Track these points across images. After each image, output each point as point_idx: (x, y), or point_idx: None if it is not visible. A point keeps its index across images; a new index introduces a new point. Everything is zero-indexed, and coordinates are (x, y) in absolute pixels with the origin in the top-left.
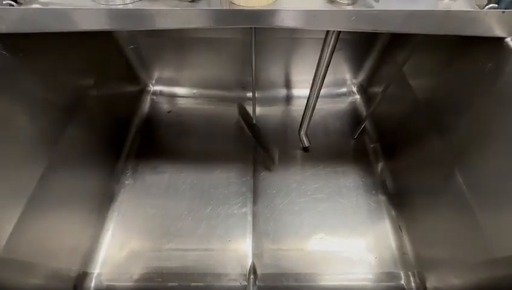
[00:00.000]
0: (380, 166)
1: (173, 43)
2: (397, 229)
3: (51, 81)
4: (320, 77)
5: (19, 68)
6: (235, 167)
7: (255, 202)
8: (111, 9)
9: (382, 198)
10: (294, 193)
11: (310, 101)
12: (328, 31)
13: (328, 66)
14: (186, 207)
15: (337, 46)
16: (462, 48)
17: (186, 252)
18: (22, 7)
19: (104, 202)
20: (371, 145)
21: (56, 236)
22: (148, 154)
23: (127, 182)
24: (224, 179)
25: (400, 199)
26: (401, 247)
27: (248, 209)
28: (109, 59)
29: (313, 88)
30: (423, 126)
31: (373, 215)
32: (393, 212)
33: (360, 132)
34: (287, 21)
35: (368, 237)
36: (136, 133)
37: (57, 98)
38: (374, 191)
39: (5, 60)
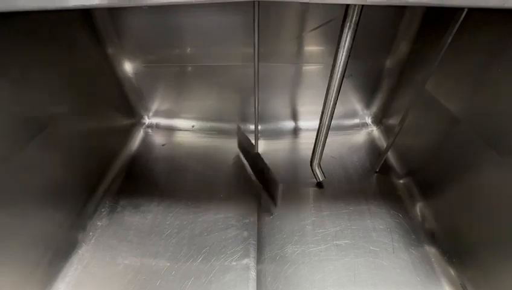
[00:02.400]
0: (418, 208)
1: (174, 75)
2: None
3: (18, 91)
4: (332, 100)
5: None
6: (235, 205)
7: (259, 250)
8: None
9: (431, 250)
10: (309, 238)
11: (321, 130)
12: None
13: (339, 89)
14: (170, 257)
15: (346, 72)
16: (500, 49)
17: None
18: None
19: (60, 251)
20: (400, 181)
21: None
22: (132, 191)
23: (99, 223)
24: (221, 221)
25: (457, 249)
26: None
27: (251, 261)
28: (104, 87)
29: (323, 116)
30: (472, 148)
31: (419, 268)
32: (451, 270)
33: (383, 165)
34: None
35: None
36: (122, 167)
37: (19, 112)
38: (414, 236)
39: None
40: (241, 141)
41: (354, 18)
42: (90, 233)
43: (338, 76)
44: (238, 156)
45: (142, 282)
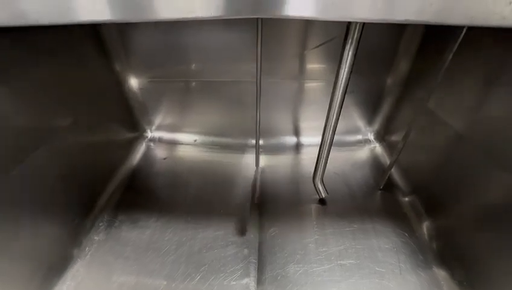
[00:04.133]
0: (425, 227)
1: (177, 89)
2: None
3: (21, 102)
4: (334, 115)
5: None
6: (236, 222)
7: (260, 269)
8: None
9: (440, 272)
10: (312, 257)
11: (323, 146)
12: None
13: (341, 105)
14: (166, 276)
15: (348, 88)
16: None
17: None
18: None
19: (54, 267)
20: (405, 199)
21: None
22: (131, 206)
23: (96, 238)
24: (221, 238)
25: (469, 271)
26: None
27: (251, 281)
28: (108, 100)
29: (326, 131)
30: (476, 165)
31: None
32: None
33: (387, 182)
34: (300, 9)
35: None
36: (122, 181)
37: (21, 123)
38: (421, 257)
39: None
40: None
41: (356, 35)
42: (86, 248)
43: (340, 92)
44: (240, 173)
45: None
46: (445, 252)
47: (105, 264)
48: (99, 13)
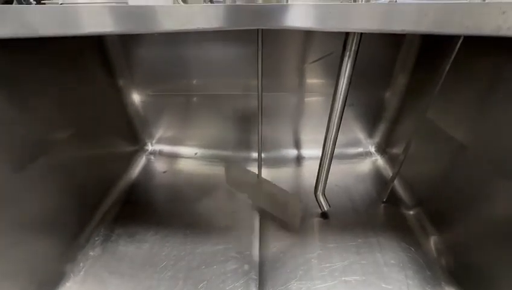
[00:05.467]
0: (432, 241)
1: (178, 102)
2: None
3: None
4: (334, 128)
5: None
6: (236, 237)
7: (261, 286)
8: (113, 7)
9: None
10: (315, 273)
11: (324, 158)
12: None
13: (341, 117)
14: None
15: (347, 101)
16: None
17: None
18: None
19: (45, 285)
20: (410, 212)
21: None
22: (129, 219)
23: (91, 253)
24: (221, 253)
25: (481, 288)
26: None
27: None
28: (108, 113)
29: (326, 144)
30: (481, 175)
31: None
32: None
33: (390, 195)
34: (299, 20)
35: None
36: (120, 194)
37: (25, 132)
38: (429, 273)
39: None
40: (234, 176)
41: (354, 47)
42: (81, 264)
43: (339, 104)
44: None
45: None
46: (455, 268)
47: (100, 281)
48: (102, 25)
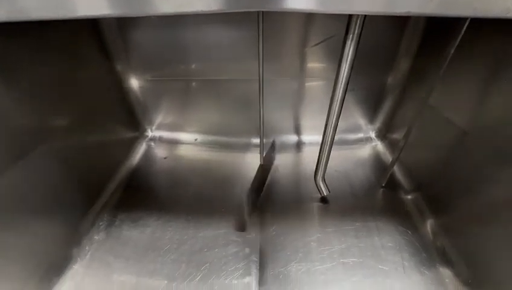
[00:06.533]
0: (429, 225)
1: (177, 87)
2: None
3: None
4: (335, 113)
5: None
6: (237, 221)
7: (262, 268)
8: None
9: (444, 271)
10: (315, 255)
11: (324, 144)
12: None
13: (343, 102)
14: (167, 275)
15: (349, 85)
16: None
17: None
18: None
19: (53, 267)
20: (408, 196)
21: None
22: (132, 205)
23: (96, 237)
24: (222, 236)
25: (474, 270)
26: None
27: (252, 280)
28: (108, 100)
29: (327, 129)
30: (481, 161)
31: None
32: None
33: (389, 180)
34: (300, 2)
35: None
36: (122, 180)
37: (22, 121)
38: (425, 255)
39: None
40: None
41: (357, 30)
42: (86, 247)
43: (341, 88)
44: (241, 171)
45: None
46: (450, 250)
47: (106, 264)
48: (98, 8)
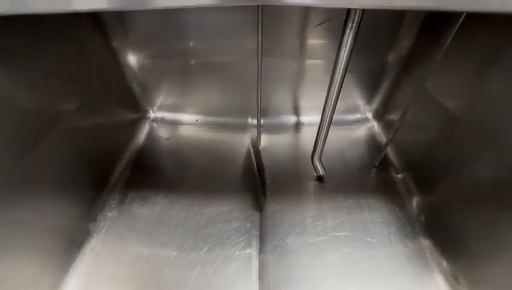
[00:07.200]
0: (415, 201)
1: (178, 70)
2: (453, 283)
3: (32, 89)
4: (333, 96)
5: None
6: (239, 198)
7: (262, 241)
8: None
9: (425, 242)
10: (310, 229)
11: (322, 125)
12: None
13: (342, 83)
14: (176, 247)
15: (348, 67)
16: (500, 48)
17: None
18: None
19: (74, 241)
20: (398, 176)
21: None
22: (140, 184)
23: (109, 214)
24: (225, 213)
25: (450, 242)
26: None
27: (253, 251)
28: (110, 82)
29: (325, 111)
30: (469, 146)
31: (414, 260)
32: (444, 261)
33: (382, 161)
34: None
35: None
36: (129, 161)
37: (34, 108)
38: (410, 229)
39: None
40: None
41: (356, 19)
42: (101, 224)
43: (340, 73)
44: (240, 151)
45: (151, 270)
46: (431, 224)
47: (120, 238)
48: (98, 1)
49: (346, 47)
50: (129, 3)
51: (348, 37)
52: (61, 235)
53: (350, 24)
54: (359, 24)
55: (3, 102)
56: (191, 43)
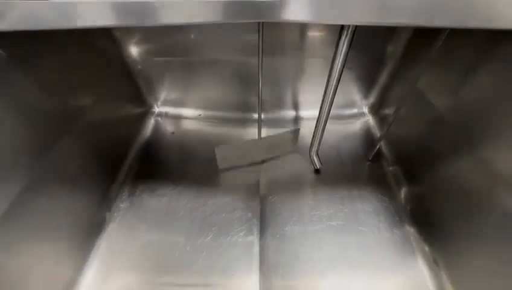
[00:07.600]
0: (403, 192)
1: (181, 66)
2: (433, 266)
3: (48, 90)
4: (331, 93)
5: (15, 71)
6: (240, 190)
7: (262, 229)
8: (115, 2)
9: (410, 230)
10: (307, 219)
11: (320, 120)
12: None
13: (339, 81)
14: (184, 234)
15: (346, 64)
16: (487, 53)
17: (182, 288)
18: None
19: (92, 229)
20: (390, 169)
21: (26, 269)
22: (148, 177)
23: (122, 205)
24: (228, 204)
25: (432, 229)
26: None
27: (254, 238)
28: (117, 79)
29: (323, 106)
30: (452, 143)
31: (400, 246)
32: (426, 247)
33: (376, 154)
34: (297, 13)
35: (398, 275)
36: (137, 154)
37: (51, 109)
38: (398, 218)
39: (1, 59)
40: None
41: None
42: (115, 214)
43: (337, 71)
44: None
45: (163, 254)
46: (416, 213)
47: (133, 227)
48: (105, 18)
49: (341, 55)
50: (137, 20)
51: (342, 50)
52: (81, 223)
53: (344, 38)
54: (352, 39)
55: (23, 104)
56: (194, 40)
